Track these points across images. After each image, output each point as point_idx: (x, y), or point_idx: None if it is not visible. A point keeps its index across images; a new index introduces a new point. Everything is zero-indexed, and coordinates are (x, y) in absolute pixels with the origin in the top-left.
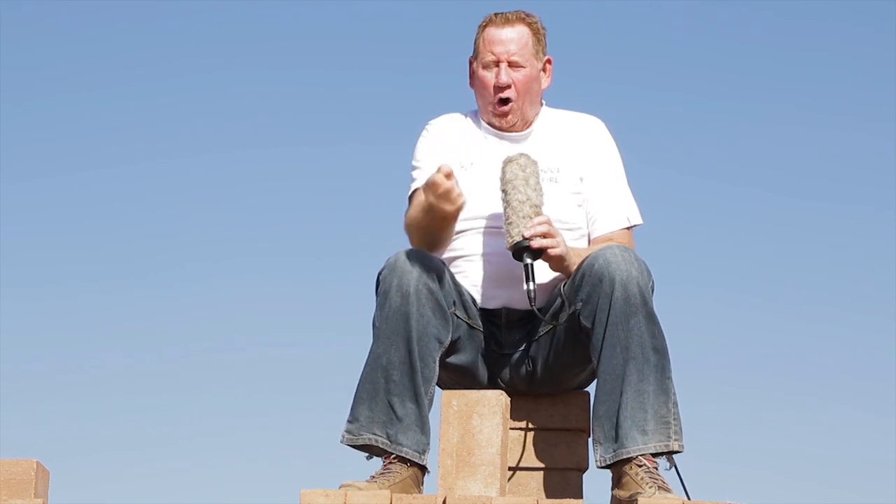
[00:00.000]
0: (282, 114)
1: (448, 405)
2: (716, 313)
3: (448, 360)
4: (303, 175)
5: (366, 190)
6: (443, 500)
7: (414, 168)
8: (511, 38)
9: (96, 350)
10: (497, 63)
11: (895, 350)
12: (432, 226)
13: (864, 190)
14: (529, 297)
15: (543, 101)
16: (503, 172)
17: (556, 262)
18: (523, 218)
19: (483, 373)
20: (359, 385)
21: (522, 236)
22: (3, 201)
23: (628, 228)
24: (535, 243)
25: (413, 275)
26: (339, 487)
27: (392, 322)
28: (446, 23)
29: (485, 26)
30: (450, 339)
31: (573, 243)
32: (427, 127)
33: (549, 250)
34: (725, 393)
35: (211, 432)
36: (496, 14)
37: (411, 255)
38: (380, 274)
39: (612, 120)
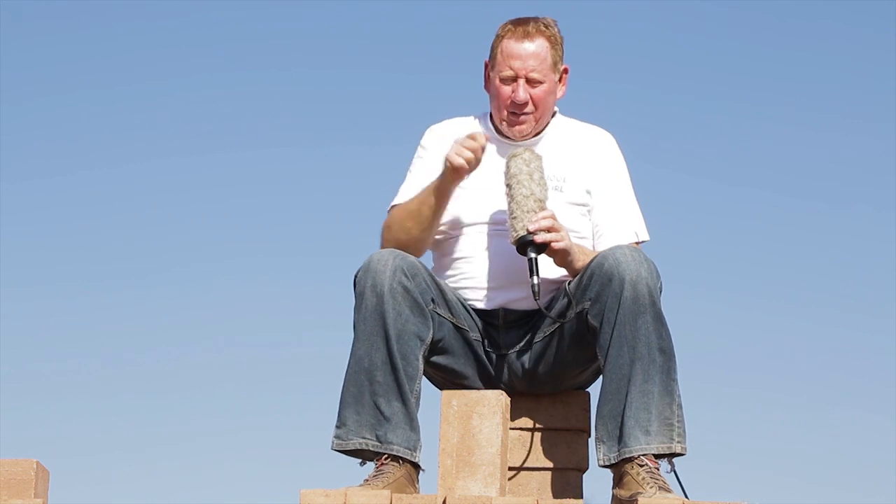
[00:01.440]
0: (282, 114)
1: (448, 405)
2: (716, 313)
3: (437, 360)
4: (303, 175)
5: (366, 190)
6: (443, 500)
7: (403, 182)
8: (530, 54)
9: (96, 350)
10: (515, 79)
11: (895, 350)
12: (429, 202)
13: (864, 190)
14: (534, 292)
15: (557, 109)
16: (507, 167)
17: (561, 257)
18: (528, 212)
19: (478, 373)
20: (343, 389)
21: (527, 230)
22: (3, 201)
23: (636, 244)
24: (540, 238)
25: (386, 274)
26: None
27: (369, 322)
28: (448, 23)
29: (504, 36)
30: (431, 335)
31: None
32: (423, 141)
33: (554, 244)
34: (726, 393)
35: (211, 432)
36: (516, 24)
37: (385, 255)
38: (355, 276)
39: (613, 120)
